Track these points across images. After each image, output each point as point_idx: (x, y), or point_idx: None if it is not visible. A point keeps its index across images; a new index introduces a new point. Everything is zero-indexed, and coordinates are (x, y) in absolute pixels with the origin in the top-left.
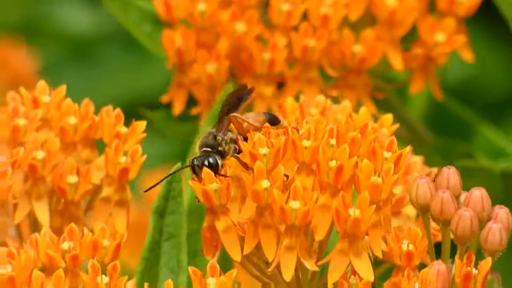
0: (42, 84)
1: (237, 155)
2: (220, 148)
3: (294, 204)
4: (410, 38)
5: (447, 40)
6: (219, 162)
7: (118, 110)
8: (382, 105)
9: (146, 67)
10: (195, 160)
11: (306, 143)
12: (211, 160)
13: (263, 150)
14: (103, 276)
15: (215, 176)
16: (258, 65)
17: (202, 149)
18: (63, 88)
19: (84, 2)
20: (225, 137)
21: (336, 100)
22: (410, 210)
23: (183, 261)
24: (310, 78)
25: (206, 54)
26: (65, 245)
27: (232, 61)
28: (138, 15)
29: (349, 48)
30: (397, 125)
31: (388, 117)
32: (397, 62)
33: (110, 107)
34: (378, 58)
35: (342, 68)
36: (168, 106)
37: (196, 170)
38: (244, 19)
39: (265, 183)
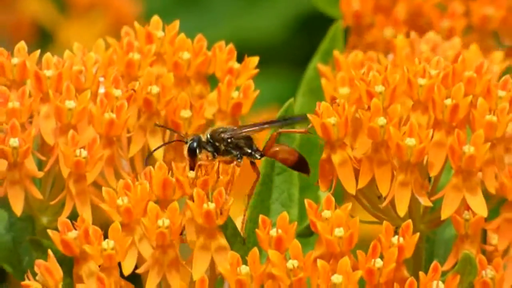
0: (155, 19)
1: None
2: (217, 144)
3: (410, 141)
4: None
5: None
6: (199, 151)
7: (230, 45)
8: None
9: (253, 13)
10: (193, 136)
11: (421, 81)
12: (193, 144)
13: (379, 88)
14: (209, 203)
15: (190, 161)
16: (437, 31)
17: (208, 134)
18: (176, 23)
19: None
20: (232, 140)
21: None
22: None
23: (295, 195)
24: (487, 46)
25: (384, 19)
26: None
27: (410, 26)
28: None
29: None
30: (507, 63)
31: (499, 54)
32: None
33: (222, 42)
34: None
35: None
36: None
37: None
38: None
39: (382, 120)
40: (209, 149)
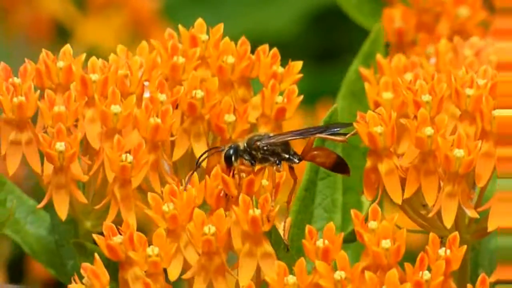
0: (200, 22)
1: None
2: (254, 152)
3: (459, 152)
4: None
5: None
6: (234, 159)
7: (274, 49)
8: None
9: (266, 8)
10: (231, 144)
11: (469, 91)
12: (229, 152)
13: (426, 98)
14: (255, 209)
15: (227, 169)
16: None
17: (244, 142)
18: (220, 27)
19: None
20: (268, 147)
21: None
22: None
23: (338, 201)
24: None
25: (427, 36)
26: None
27: None
28: None
29: None
30: None
31: None
32: None
33: (266, 46)
34: None
35: None
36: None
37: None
38: (468, 3)
39: (429, 130)
40: (246, 157)
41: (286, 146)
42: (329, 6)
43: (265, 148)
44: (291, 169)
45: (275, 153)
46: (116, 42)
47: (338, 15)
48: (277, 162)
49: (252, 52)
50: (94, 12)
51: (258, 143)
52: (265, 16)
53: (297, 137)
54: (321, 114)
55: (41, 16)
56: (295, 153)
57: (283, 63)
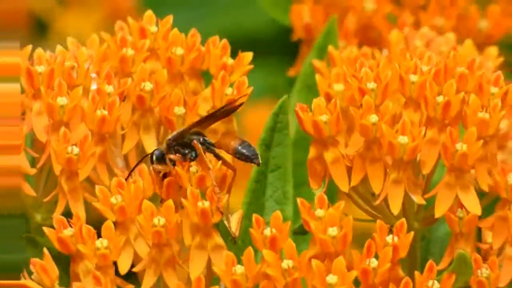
0: (149, 13)
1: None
2: (169, 150)
3: (403, 139)
4: None
5: None
6: (157, 161)
7: (224, 41)
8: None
9: (247, 5)
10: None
11: (413, 78)
12: (156, 152)
13: (371, 85)
14: (204, 201)
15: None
16: (387, 43)
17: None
18: (170, 18)
19: None
20: (177, 142)
21: None
22: None
23: (289, 192)
24: None
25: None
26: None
27: (361, 38)
28: None
29: (476, 25)
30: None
31: (493, 50)
32: None
33: (216, 37)
34: (504, 33)
35: None
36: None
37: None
38: None
39: (374, 118)
40: (167, 157)
41: (198, 136)
42: None
43: (174, 143)
44: (222, 160)
45: (186, 145)
46: None
47: None
48: (192, 153)
49: (234, 50)
50: (73, 6)
51: (168, 140)
52: (244, 15)
53: (194, 127)
54: None
55: (19, 9)
56: (210, 143)
57: (260, 61)
